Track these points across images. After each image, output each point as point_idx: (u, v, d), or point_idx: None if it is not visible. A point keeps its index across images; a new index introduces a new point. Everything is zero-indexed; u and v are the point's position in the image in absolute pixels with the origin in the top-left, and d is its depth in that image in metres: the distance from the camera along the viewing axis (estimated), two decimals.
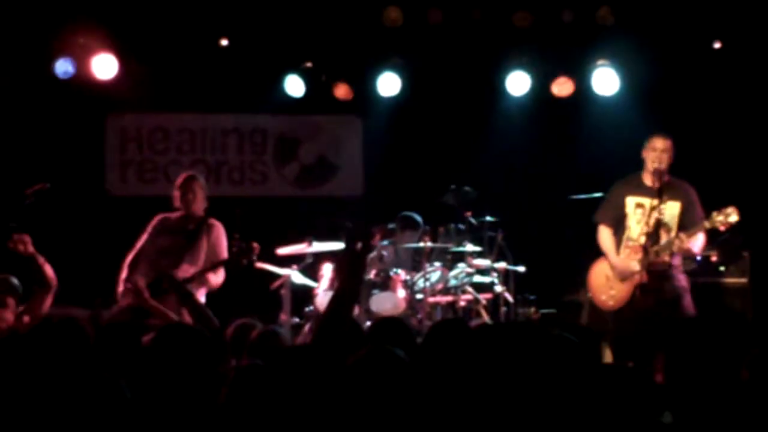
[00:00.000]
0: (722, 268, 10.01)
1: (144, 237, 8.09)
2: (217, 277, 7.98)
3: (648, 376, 4.39)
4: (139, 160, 11.67)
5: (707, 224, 7.76)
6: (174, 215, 8.15)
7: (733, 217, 7.68)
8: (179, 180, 8.22)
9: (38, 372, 4.31)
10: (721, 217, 7.69)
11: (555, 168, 11.33)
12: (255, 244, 7.84)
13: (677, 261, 8.09)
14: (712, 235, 8.36)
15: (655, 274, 7.91)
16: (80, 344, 4.60)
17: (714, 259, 9.97)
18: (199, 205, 8.09)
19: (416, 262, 10.04)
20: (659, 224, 7.90)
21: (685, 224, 7.94)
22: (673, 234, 7.89)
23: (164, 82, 11.10)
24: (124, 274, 7.92)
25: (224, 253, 7.98)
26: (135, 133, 11.68)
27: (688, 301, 7.98)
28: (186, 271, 7.79)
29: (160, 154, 11.64)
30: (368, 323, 8.97)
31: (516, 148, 11.30)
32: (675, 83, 10.85)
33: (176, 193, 8.13)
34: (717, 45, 10.50)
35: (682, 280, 8.05)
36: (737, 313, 9.51)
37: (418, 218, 10.24)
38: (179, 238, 7.98)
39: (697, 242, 7.95)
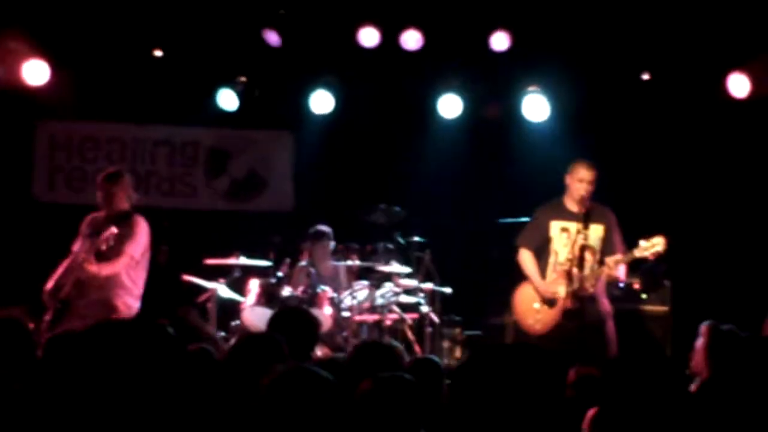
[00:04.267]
0: (644, 296, 10.09)
1: (76, 241, 8.01)
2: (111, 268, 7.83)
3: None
4: (69, 167, 11.57)
5: (636, 253, 7.87)
6: (100, 215, 8.06)
7: (661, 246, 7.80)
8: (98, 179, 8.13)
9: None
10: (648, 246, 7.80)
11: (484, 191, 11.42)
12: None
13: (601, 286, 8.20)
14: (636, 262, 8.42)
15: (581, 299, 8.03)
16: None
17: (636, 286, 10.06)
18: (120, 203, 7.98)
19: (339, 279, 10.03)
20: (584, 248, 8.04)
21: (606, 248, 8.09)
22: (597, 257, 8.01)
23: (96, 91, 11.04)
24: (56, 274, 7.83)
25: (137, 248, 7.87)
26: (65, 140, 11.59)
27: (610, 326, 8.12)
28: (89, 260, 7.67)
29: (90, 163, 11.52)
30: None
31: (446, 169, 11.37)
32: (604, 111, 11.00)
33: (98, 193, 8.04)
34: (646, 76, 10.64)
35: (606, 305, 8.18)
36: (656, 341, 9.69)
37: (327, 229, 10.20)
38: (96, 237, 7.82)
39: (622, 268, 8.09)
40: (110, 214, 7.94)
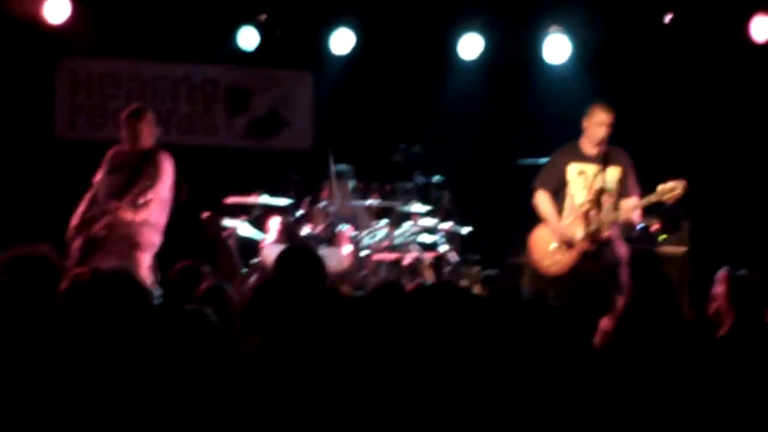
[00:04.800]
0: (662, 237, 10.06)
1: (99, 173, 8.05)
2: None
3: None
4: (89, 105, 11.53)
5: (654, 197, 7.86)
6: (124, 148, 8.06)
7: (680, 189, 7.78)
8: (122, 116, 8.13)
9: None
10: (668, 189, 7.79)
11: (504, 132, 11.37)
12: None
13: (617, 229, 8.21)
14: (654, 204, 8.31)
15: (598, 242, 8.04)
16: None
17: (655, 227, 10.04)
18: (145, 140, 7.98)
19: (358, 218, 10.05)
20: (602, 191, 8.03)
21: (622, 191, 8.07)
22: (614, 200, 8.01)
23: (117, 28, 10.93)
24: (80, 209, 7.90)
25: (164, 188, 7.93)
26: (85, 78, 11.53)
27: (624, 270, 8.04)
28: (125, 209, 7.74)
29: (111, 100, 11.47)
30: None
31: (466, 110, 11.35)
32: (625, 53, 10.93)
33: (122, 131, 8.05)
34: (668, 18, 10.57)
35: (622, 249, 8.14)
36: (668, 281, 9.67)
37: (348, 168, 10.23)
38: (124, 175, 7.90)
39: (637, 212, 8.10)
40: (135, 151, 7.95)
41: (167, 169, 7.98)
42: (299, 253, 5.70)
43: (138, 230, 7.87)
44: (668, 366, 4.19)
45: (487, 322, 3.99)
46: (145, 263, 7.84)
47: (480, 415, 3.64)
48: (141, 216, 7.79)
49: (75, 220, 7.85)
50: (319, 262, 5.50)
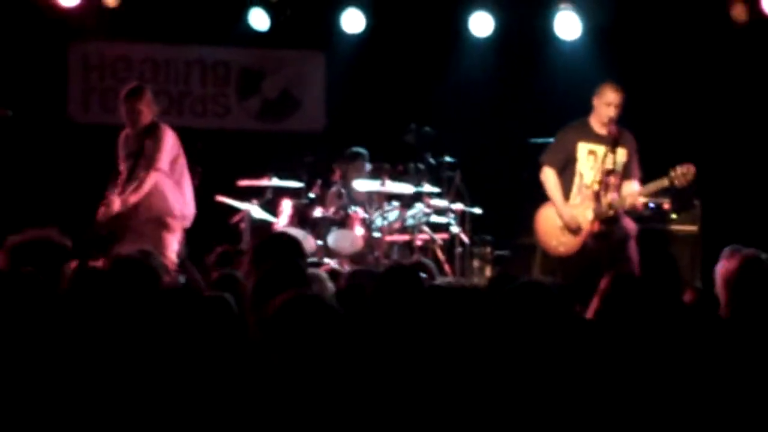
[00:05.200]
0: (674, 216, 10.05)
1: (119, 161, 8.03)
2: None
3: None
4: (102, 88, 11.56)
5: (666, 181, 7.86)
6: (130, 132, 8.00)
7: (690, 175, 7.78)
8: (120, 95, 8.04)
9: None
10: (679, 174, 7.79)
11: (515, 111, 11.30)
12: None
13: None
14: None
15: (606, 221, 8.06)
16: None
17: (666, 206, 10.01)
18: (144, 118, 7.87)
19: (371, 199, 10.01)
20: (611, 171, 8.05)
21: (626, 173, 8.10)
22: (621, 181, 8.04)
23: (128, 11, 10.91)
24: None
25: (163, 158, 7.83)
26: (98, 61, 11.58)
27: (632, 246, 8.05)
28: (127, 195, 7.72)
29: (123, 83, 11.08)
30: (329, 261, 9.22)
31: (477, 89, 11.29)
32: (637, 30, 10.84)
33: (121, 110, 7.98)
34: None
35: (629, 224, 8.16)
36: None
37: (363, 150, 10.22)
38: (131, 161, 7.86)
39: (635, 193, 8.11)
40: (137, 131, 7.90)
41: (166, 137, 7.89)
42: (273, 240, 5.78)
43: (160, 208, 7.84)
44: (661, 345, 4.24)
45: (478, 316, 4.03)
46: (170, 244, 7.82)
47: (472, 409, 3.68)
48: (133, 197, 7.72)
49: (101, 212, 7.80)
50: (295, 245, 5.48)
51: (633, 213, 8.44)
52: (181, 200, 7.95)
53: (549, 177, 8.25)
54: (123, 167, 7.92)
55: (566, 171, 8.20)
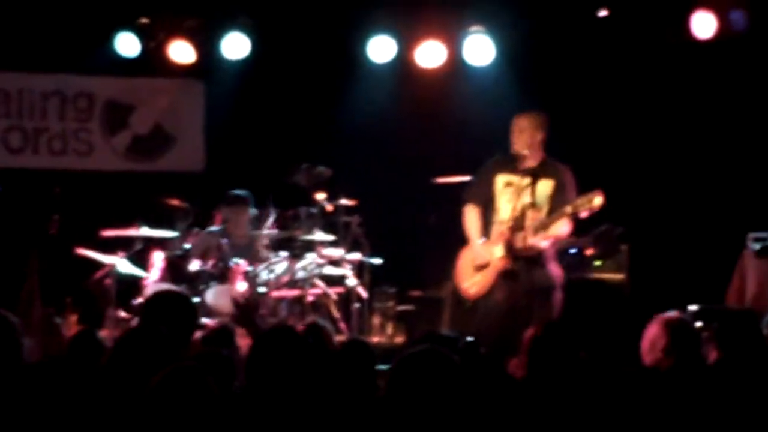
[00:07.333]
0: (598, 263, 9.76)
1: None
2: None
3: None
4: None
5: (569, 209, 7.58)
6: None
7: (597, 201, 7.44)
8: None
9: None
10: (584, 201, 7.50)
11: (419, 147, 10.95)
12: None
13: (551, 251, 7.95)
14: (587, 225, 8.28)
15: (524, 261, 7.76)
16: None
17: (589, 252, 9.69)
18: None
19: (255, 250, 9.67)
20: (530, 205, 7.81)
21: (555, 207, 7.84)
22: (542, 216, 7.79)
23: None
24: None
25: None
26: None
27: (557, 296, 7.82)
28: None
29: None
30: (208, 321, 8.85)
31: (376, 123, 10.89)
32: (556, 54, 10.56)
33: None
34: (603, 13, 10.18)
35: (555, 271, 7.90)
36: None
37: (246, 194, 9.84)
38: None
39: (560, 228, 7.78)
40: None
41: None
42: (167, 300, 5.59)
43: None
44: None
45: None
46: None
47: None
48: None
49: None
50: (190, 309, 5.45)
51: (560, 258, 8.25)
52: None
53: (466, 214, 8.14)
54: None
55: (489, 207, 8.07)
